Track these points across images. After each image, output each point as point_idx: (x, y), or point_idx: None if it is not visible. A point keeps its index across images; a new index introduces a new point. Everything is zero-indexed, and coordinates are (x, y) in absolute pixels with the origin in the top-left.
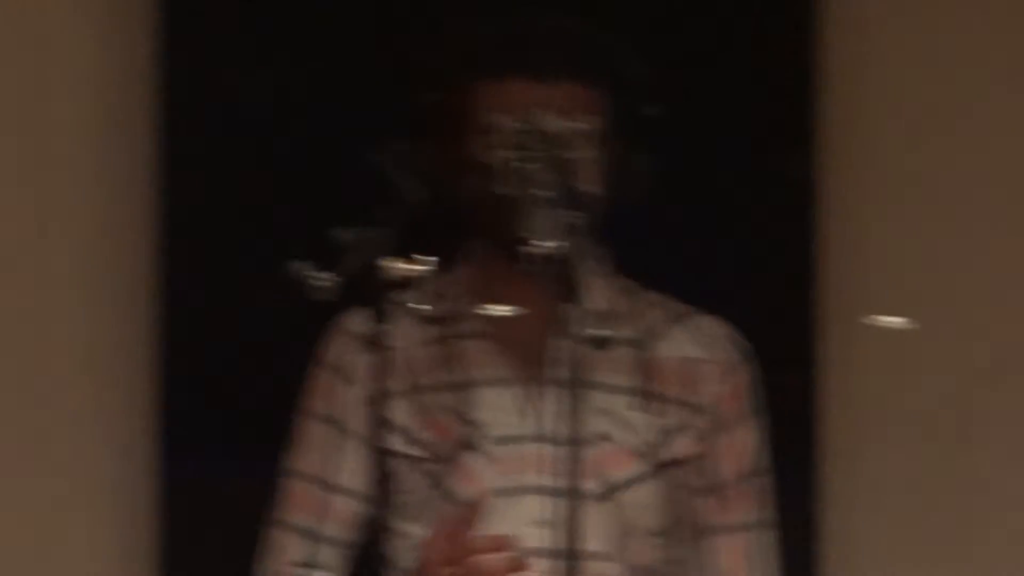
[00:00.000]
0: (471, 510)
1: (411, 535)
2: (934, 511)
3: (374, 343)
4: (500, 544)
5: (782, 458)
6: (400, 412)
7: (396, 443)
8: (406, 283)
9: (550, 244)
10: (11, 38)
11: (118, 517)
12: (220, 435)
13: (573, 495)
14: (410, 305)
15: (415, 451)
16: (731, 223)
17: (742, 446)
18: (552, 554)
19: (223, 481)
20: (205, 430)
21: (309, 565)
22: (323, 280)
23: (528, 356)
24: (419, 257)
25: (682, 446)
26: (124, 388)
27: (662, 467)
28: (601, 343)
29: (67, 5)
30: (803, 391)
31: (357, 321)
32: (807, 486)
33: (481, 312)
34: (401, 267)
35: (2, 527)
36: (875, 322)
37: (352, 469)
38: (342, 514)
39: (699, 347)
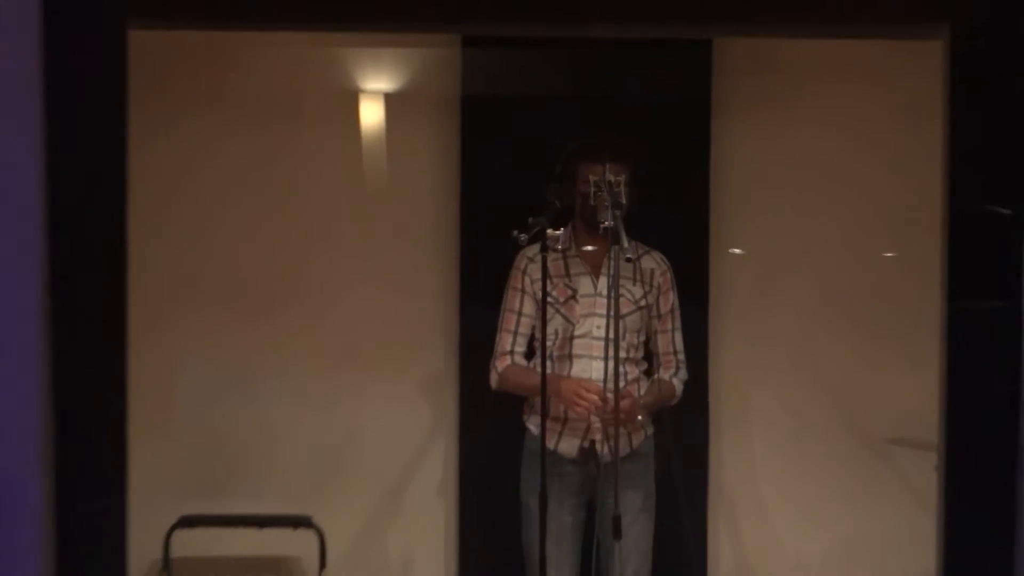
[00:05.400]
0: (590, 385)
1: (549, 334)
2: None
3: (534, 259)
4: (593, 388)
5: (689, 306)
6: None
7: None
8: (551, 236)
9: (610, 222)
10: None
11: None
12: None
13: (613, 317)
14: (548, 243)
15: (551, 299)
16: (675, 217)
17: (670, 300)
18: (604, 340)
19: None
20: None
21: (514, 351)
22: (522, 238)
23: (595, 264)
24: (555, 228)
25: (649, 299)
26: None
27: (640, 308)
28: (631, 260)
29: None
30: (701, 278)
31: (527, 251)
32: (701, 314)
33: (577, 247)
34: (549, 232)
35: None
36: (736, 253)
37: (527, 305)
38: (525, 325)
39: (654, 263)
